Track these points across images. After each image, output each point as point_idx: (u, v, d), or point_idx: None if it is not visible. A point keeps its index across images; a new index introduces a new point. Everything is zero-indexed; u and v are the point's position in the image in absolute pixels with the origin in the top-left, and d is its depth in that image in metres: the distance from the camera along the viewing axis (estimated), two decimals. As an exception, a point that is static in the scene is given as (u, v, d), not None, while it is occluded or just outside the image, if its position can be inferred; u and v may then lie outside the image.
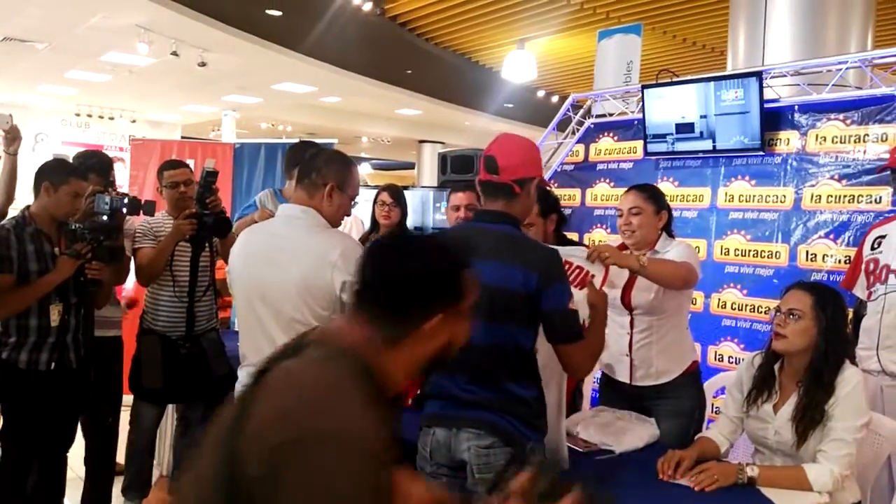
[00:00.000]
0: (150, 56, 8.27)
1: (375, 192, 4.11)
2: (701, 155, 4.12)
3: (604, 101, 4.85)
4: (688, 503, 2.05)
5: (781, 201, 3.82)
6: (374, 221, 4.03)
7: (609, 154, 4.67)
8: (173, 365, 3.37)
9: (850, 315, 3.17)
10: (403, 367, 1.19)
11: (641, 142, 4.36)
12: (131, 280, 3.60)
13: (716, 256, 4.05)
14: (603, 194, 4.66)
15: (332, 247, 2.21)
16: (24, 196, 3.13)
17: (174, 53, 8.00)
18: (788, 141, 3.82)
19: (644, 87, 4.25)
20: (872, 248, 3.03)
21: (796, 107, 3.81)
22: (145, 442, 3.53)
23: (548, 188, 3.33)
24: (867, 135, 3.55)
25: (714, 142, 4.00)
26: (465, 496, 1.86)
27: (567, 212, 4.75)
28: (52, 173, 2.92)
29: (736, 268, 3.99)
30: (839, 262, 3.55)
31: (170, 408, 3.75)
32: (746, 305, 3.92)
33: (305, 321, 2.19)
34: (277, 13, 7.57)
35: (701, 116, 4.00)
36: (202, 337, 3.45)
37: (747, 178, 3.97)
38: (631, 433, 2.52)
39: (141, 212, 3.17)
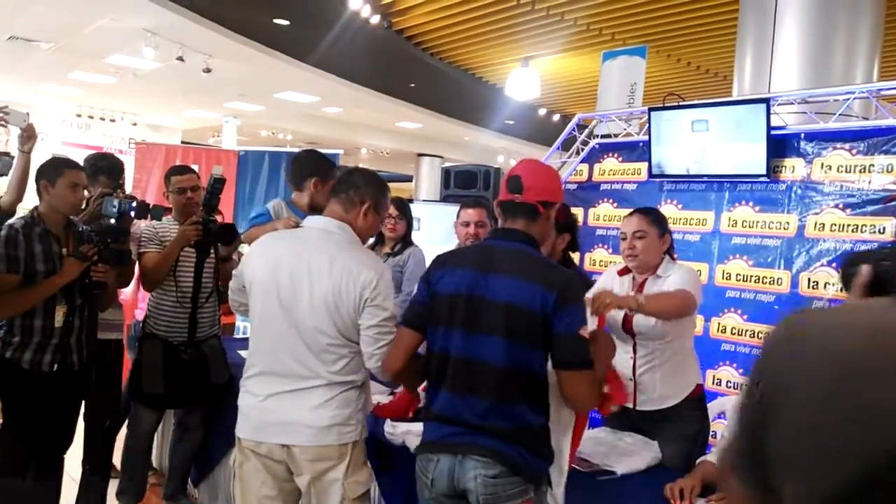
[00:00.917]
0: (155, 60, 8.29)
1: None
2: (706, 179, 4.14)
3: (608, 122, 4.87)
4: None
5: (785, 228, 3.84)
6: (380, 233, 4.03)
7: (613, 175, 4.69)
8: (174, 370, 3.36)
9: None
10: None
11: (646, 163, 4.38)
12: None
13: (717, 281, 4.07)
14: (606, 214, 4.68)
15: (365, 267, 2.21)
16: (30, 196, 3.13)
17: (180, 59, 8.02)
18: (794, 168, 3.84)
19: (651, 109, 4.27)
20: (876, 278, 3.04)
21: (802, 135, 3.83)
22: (142, 446, 3.51)
23: (574, 215, 3.36)
24: (872, 165, 3.57)
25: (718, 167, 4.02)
26: None
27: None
28: (47, 171, 2.93)
29: (737, 293, 4.00)
30: (841, 290, 3.55)
31: (168, 413, 3.73)
32: (746, 331, 3.93)
33: (329, 333, 2.19)
34: (285, 23, 7.60)
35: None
36: (204, 343, 3.44)
37: (751, 203, 3.99)
38: (633, 455, 2.52)
39: (149, 216, 3.16)
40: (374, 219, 2.37)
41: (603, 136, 4.86)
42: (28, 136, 3.20)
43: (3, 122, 3.24)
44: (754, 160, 3.86)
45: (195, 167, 5.57)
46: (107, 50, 8.64)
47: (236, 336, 4.53)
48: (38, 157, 3.09)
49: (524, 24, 7.24)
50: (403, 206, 4.06)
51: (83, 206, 3.41)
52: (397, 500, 2.51)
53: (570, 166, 4.96)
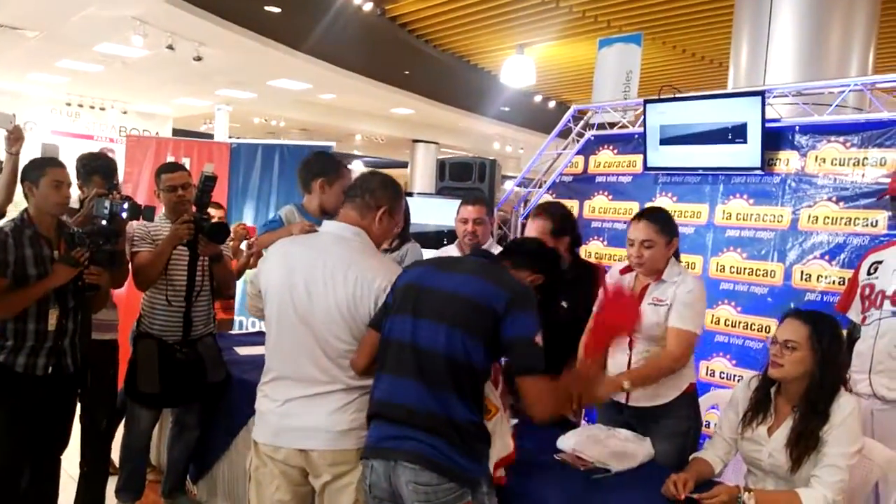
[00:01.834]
0: (144, 48, 8.21)
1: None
2: (700, 172, 4.14)
3: (604, 112, 4.86)
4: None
5: (779, 221, 3.85)
6: None
7: (608, 167, 4.68)
8: (169, 370, 3.34)
9: (844, 337, 3.22)
10: None
11: (641, 156, 4.37)
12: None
13: (711, 273, 4.08)
14: (601, 207, 4.67)
15: (380, 273, 2.21)
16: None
17: (170, 47, 7.95)
18: (788, 161, 3.85)
19: (646, 101, 4.26)
20: (868, 273, 3.05)
21: (797, 127, 3.84)
22: (140, 445, 3.51)
23: (569, 213, 3.37)
24: (866, 158, 3.58)
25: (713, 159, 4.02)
26: None
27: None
28: (30, 172, 2.89)
29: (731, 285, 4.02)
30: (833, 283, 3.59)
31: (165, 410, 3.73)
32: (740, 322, 3.96)
33: (346, 339, 2.19)
34: (277, 10, 7.53)
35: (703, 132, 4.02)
36: (199, 342, 3.43)
37: (745, 196, 4.00)
38: (627, 452, 2.53)
39: (141, 216, 3.14)
40: (389, 224, 2.36)
41: (599, 127, 4.84)
42: (15, 138, 3.18)
43: None
44: (749, 153, 3.86)
45: (187, 160, 5.62)
46: (95, 38, 8.54)
47: (234, 332, 4.52)
48: (28, 147, 3.08)
49: (519, 11, 7.20)
50: None
51: (78, 207, 3.40)
52: None
53: (565, 158, 4.94)
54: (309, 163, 3.01)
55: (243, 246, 4.21)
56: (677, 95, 4.11)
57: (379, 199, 2.31)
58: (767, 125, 3.80)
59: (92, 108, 12.94)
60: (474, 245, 3.68)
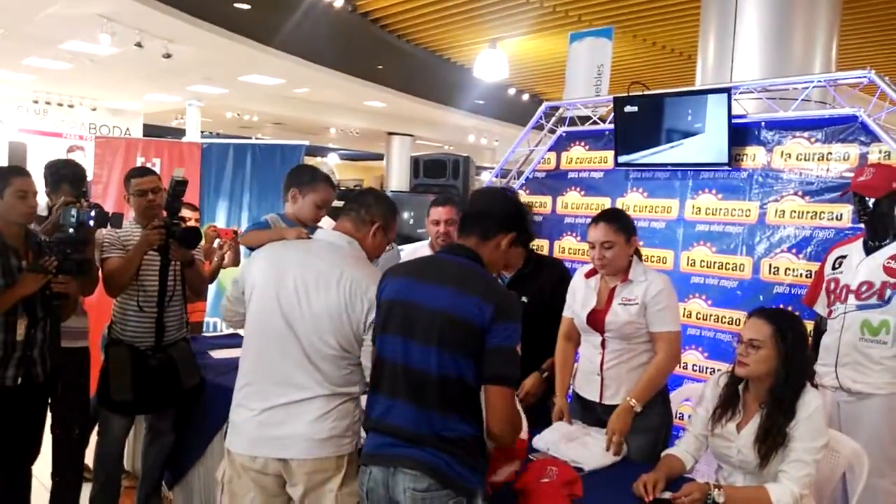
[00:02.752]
0: (113, 46, 8.10)
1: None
2: (670, 167, 4.18)
3: (575, 109, 4.89)
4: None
5: (747, 215, 3.91)
6: None
7: (580, 163, 4.71)
8: (142, 376, 3.31)
9: (811, 330, 3.28)
10: None
11: (612, 152, 4.41)
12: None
13: (682, 267, 4.13)
14: (574, 202, 4.71)
15: (374, 283, 2.21)
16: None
17: (138, 45, 7.85)
18: (755, 157, 3.90)
19: (616, 98, 4.29)
20: (833, 268, 3.12)
21: (763, 123, 3.88)
22: (114, 452, 3.47)
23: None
24: (830, 153, 3.64)
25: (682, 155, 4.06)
26: None
27: (538, 219, 4.81)
28: None
29: (701, 279, 4.07)
30: (801, 275, 3.65)
31: (139, 416, 3.70)
32: (711, 315, 4.01)
33: (332, 344, 2.20)
34: (246, 6, 7.47)
35: (669, 129, 4.07)
36: (172, 347, 3.40)
37: (714, 191, 4.05)
38: (599, 449, 2.57)
39: (108, 224, 3.11)
40: (382, 240, 2.41)
41: (570, 123, 4.86)
42: None
43: None
44: (716, 148, 3.91)
45: (157, 161, 5.57)
46: (61, 36, 8.43)
47: (208, 334, 4.49)
48: None
49: (490, 6, 7.21)
50: None
51: (46, 214, 3.35)
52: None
53: (538, 154, 4.97)
54: (290, 172, 3.01)
55: (215, 246, 4.18)
56: (646, 93, 4.14)
57: (374, 215, 2.36)
58: (734, 121, 3.85)
59: (60, 105, 12.76)
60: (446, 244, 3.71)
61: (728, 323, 3.93)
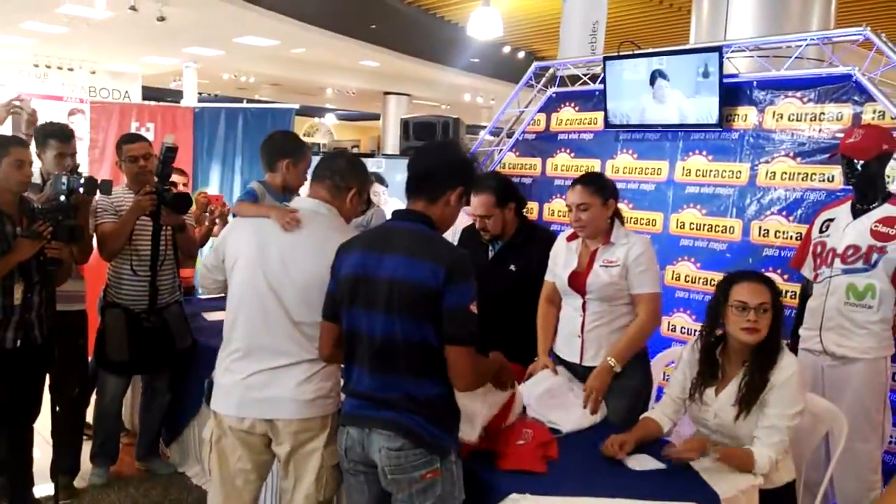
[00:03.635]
0: (108, 9, 8.03)
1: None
2: (660, 129, 4.16)
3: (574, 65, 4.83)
4: (629, 484, 2.14)
5: (737, 177, 3.90)
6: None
7: (570, 124, 4.69)
8: (137, 338, 3.40)
9: (798, 293, 3.31)
10: None
11: (602, 113, 4.38)
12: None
13: (671, 230, 4.14)
14: (563, 164, 4.70)
15: None
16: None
17: (132, 8, 7.77)
18: (746, 117, 3.87)
19: (606, 58, 4.26)
20: (821, 231, 3.10)
21: (755, 83, 3.85)
22: (112, 412, 3.59)
23: (507, 179, 3.38)
24: (823, 113, 3.60)
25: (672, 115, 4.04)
26: None
27: (527, 181, 4.81)
28: None
29: (690, 241, 4.07)
30: (791, 238, 3.65)
31: (136, 377, 3.79)
32: (700, 278, 4.03)
33: (317, 310, 2.21)
34: (238, -34, 7.37)
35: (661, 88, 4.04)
36: (165, 310, 3.48)
37: (704, 152, 4.03)
38: (578, 411, 2.61)
39: (98, 191, 3.14)
40: (358, 204, 2.46)
41: (560, 83, 4.82)
42: (30, 121, 3.52)
43: (18, 111, 3.55)
44: (706, 109, 3.88)
45: (151, 126, 5.57)
46: (57, 0, 8.34)
47: (202, 297, 4.55)
48: None
49: (484, -38, 7.07)
50: (380, 180, 4.09)
51: (40, 182, 3.39)
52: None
53: (527, 116, 4.95)
54: (275, 142, 2.98)
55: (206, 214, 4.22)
56: (636, 52, 4.10)
57: (349, 181, 2.38)
58: (725, 80, 3.81)
59: (60, 69, 12.73)
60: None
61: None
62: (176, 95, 14.89)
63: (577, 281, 2.80)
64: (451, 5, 8.83)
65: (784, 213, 3.70)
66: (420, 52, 11.24)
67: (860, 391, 2.90)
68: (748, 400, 2.29)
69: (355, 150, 19.10)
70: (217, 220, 4.09)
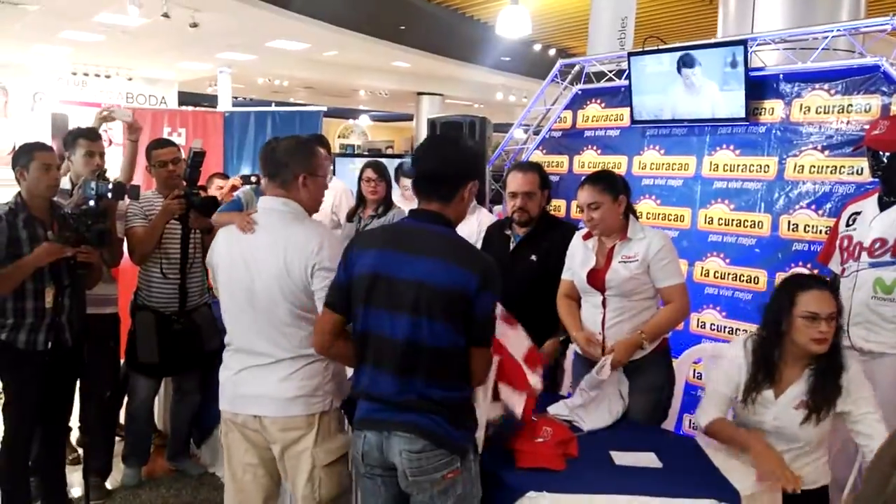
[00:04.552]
0: (141, 17, 8.21)
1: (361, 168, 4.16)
2: (686, 124, 4.11)
3: (594, 64, 4.81)
4: (647, 481, 2.13)
5: (765, 171, 3.83)
6: (361, 196, 4.08)
7: (596, 121, 4.66)
8: (167, 340, 3.48)
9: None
10: None
11: (628, 109, 4.35)
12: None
13: (700, 225, 4.08)
14: (591, 161, 4.67)
15: (308, 235, 2.28)
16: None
17: (165, 15, 7.94)
18: (773, 110, 3.81)
19: (630, 54, 4.22)
20: (847, 225, 3.05)
21: (781, 76, 3.78)
22: (142, 413, 3.67)
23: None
24: (851, 105, 3.53)
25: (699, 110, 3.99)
26: None
27: (555, 179, 4.79)
28: (20, 158, 3.00)
29: (719, 237, 4.01)
30: (820, 232, 3.57)
31: (166, 378, 3.87)
32: (729, 274, 3.97)
33: (286, 308, 2.25)
34: (267, -28, 7.48)
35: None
36: (195, 312, 3.56)
37: (732, 147, 3.97)
38: (599, 410, 2.61)
39: (126, 196, 3.23)
40: (316, 184, 2.38)
41: (586, 80, 4.79)
42: (134, 128, 3.73)
43: (111, 118, 3.82)
44: (733, 103, 3.83)
45: (182, 131, 5.70)
46: (93, 9, 8.58)
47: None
48: (37, 117, 3.31)
49: (511, -40, 7.05)
50: (381, 168, 4.10)
51: (70, 188, 3.49)
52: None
53: (554, 113, 4.93)
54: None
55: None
56: (661, 47, 4.06)
57: (293, 169, 2.34)
58: (751, 74, 3.75)
59: (97, 76, 13.05)
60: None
61: (746, 281, 3.89)
62: (212, 100, 15.16)
63: (596, 278, 2.79)
64: (479, 4, 8.83)
65: (813, 206, 3.63)
66: (450, 51, 11.27)
67: (888, 387, 2.82)
68: (820, 408, 2.25)
69: (389, 151, 19.24)
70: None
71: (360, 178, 4.11)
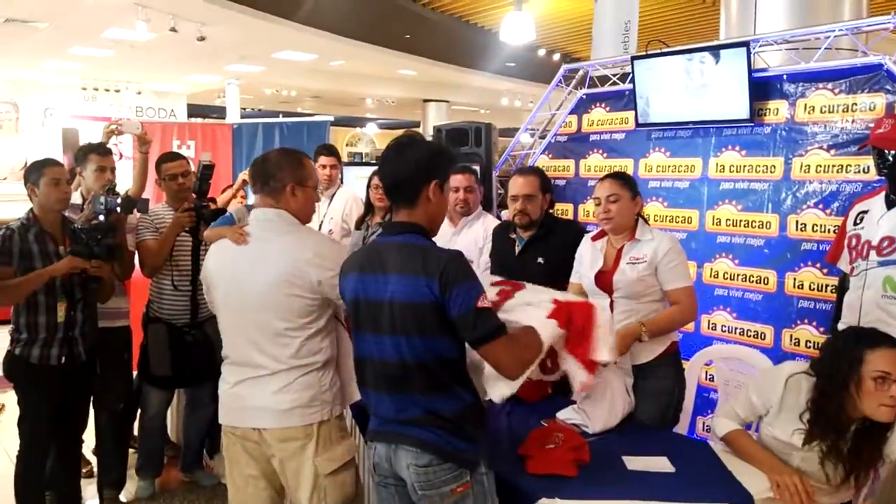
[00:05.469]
0: (149, 32, 8.29)
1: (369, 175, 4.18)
2: (691, 126, 4.12)
3: (598, 68, 4.82)
4: (660, 485, 2.12)
5: (771, 171, 3.83)
6: (369, 203, 4.10)
7: (601, 125, 4.67)
8: (180, 352, 3.51)
9: (835, 288, 3.24)
10: None
11: (633, 112, 4.36)
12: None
13: (707, 227, 4.09)
14: (596, 165, 4.68)
15: (304, 247, 2.28)
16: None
17: (173, 29, 8.01)
18: (777, 111, 3.81)
19: (634, 58, 4.23)
20: (855, 224, 3.03)
21: (785, 76, 3.78)
22: (155, 425, 3.70)
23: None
24: (855, 104, 3.53)
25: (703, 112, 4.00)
26: None
27: (561, 183, 4.81)
28: (30, 174, 3.06)
29: (727, 238, 4.01)
30: (828, 231, 3.57)
31: (179, 390, 3.90)
32: (738, 275, 3.97)
33: (279, 319, 2.25)
34: (272, -16, 7.55)
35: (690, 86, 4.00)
36: (206, 323, 3.57)
37: (737, 148, 3.97)
38: (601, 410, 2.57)
39: (135, 210, 3.27)
40: (304, 194, 2.37)
41: (590, 84, 4.81)
42: (143, 141, 3.80)
43: (119, 132, 3.82)
44: (737, 104, 3.84)
45: (192, 143, 5.75)
46: (101, 25, 8.68)
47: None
48: (48, 132, 3.35)
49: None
50: None
51: (80, 203, 3.54)
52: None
53: (559, 118, 4.94)
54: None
55: None
56: (664, 50, 4.07)
57: (282, 180, 2.33)
58: (754, 75, 3.76)
59: (107, 90, 13.20)
60: (464, 210, 3.80)
61: (756, 282, 3.89)
62: (220, 112, 15.28)
63: (604, 279, 2.81)
64: (482, 11, 8.87)
65: (821, 206, 3.63)
66: (455, 58, 11.31)
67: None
68: (855, 470, 2.16)
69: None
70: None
71: (368, 186, 4.13)
